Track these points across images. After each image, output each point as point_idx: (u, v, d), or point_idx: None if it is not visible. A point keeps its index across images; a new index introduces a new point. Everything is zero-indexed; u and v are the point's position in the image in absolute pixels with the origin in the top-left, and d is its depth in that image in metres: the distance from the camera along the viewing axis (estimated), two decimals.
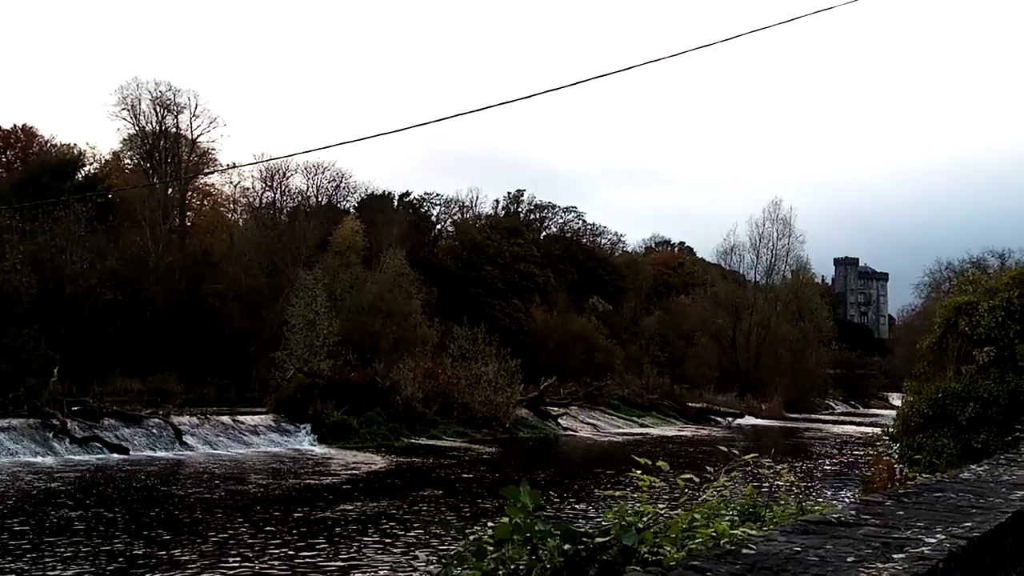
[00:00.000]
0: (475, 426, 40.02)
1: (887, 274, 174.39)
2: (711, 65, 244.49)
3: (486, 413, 40.80)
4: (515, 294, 71.79)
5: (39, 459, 25.90)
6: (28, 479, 22.29)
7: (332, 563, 14.17)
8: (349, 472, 26.86)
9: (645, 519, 4.38)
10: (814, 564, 3.83)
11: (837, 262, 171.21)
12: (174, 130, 61.14)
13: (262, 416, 35.41)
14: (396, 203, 78.70)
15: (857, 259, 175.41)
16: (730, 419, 58.42)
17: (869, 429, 33.06)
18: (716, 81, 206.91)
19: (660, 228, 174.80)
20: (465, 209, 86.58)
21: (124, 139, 63.75)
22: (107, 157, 65.13)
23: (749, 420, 60.28)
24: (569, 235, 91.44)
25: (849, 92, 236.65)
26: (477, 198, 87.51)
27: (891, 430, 18.42)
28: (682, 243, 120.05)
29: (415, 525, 17.54)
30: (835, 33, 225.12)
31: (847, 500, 12.38)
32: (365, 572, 13.61)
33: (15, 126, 66.29)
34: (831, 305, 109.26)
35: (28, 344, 37.42)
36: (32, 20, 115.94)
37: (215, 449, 30.56)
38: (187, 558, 14.19)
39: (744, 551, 3.99)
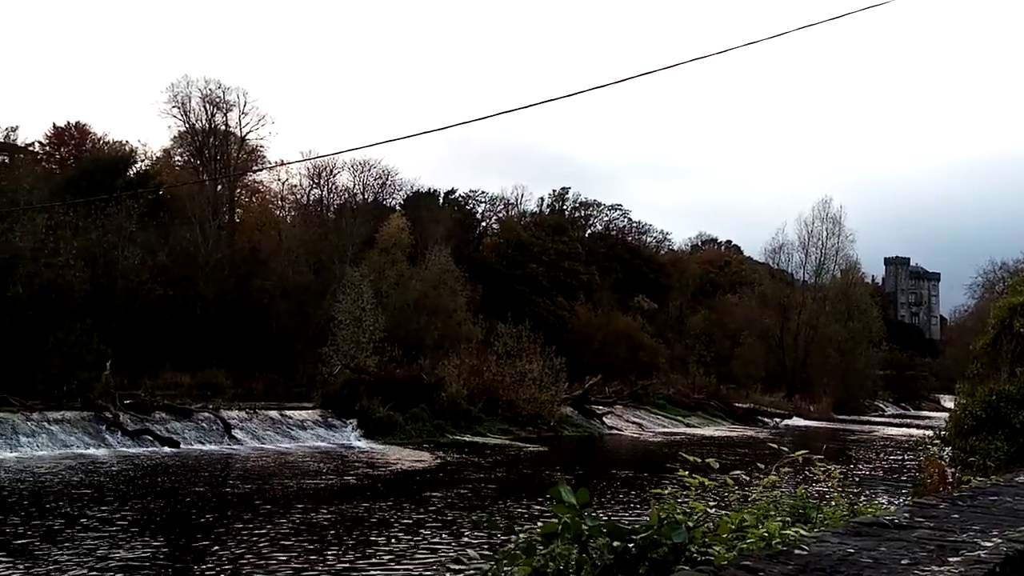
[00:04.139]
0: (520, 424, 40.04)
1: (939, 274, 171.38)
2: (759, 61, 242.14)
3: (531, 411, 40.81)
4: (560, 292, 71.71)
5: (92, 451, 26.40)
6: (81, 470, 22.73)
7: (382, 558, 14.26)
8: (395, 468, 27.02)
9: (695, 517, 4.36)
10: (868, 566, 3.78)
11: (888, 261, 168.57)
12: (223, 128, 61.91)
13: (309, 411, 35.76)
14: (442, 200, 79.05)
15: (908, 259, 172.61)
16: (777, 420, 57.83)
17: (920, 431, 32.50)
18: (765, 77, 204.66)
19: (706, 226, 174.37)
20: (510, 207, 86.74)
21: (174, 136, 64.71)
22: (158, 154, 66.22)
23: (797, 421, 59.62)
24: (614, 233, 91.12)
25: (902, 88, 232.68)
26: (522, 196, 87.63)
27: (943, 433, 18.15)
28: (728, 241, 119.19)
29: (464, 521, 17.59)
30: (884, 27, 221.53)
31: (898, 503, 12.21)
32: (415, 568, 13.68)
33: (69, 123, 67.66)
34: (881, 305, 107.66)
35: (81, 338, 38.15)
36: (85, 19, 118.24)
37: (263, 443, 30.92)
38: (237, 551, 14.37)
39: (796, 552, 3.95)
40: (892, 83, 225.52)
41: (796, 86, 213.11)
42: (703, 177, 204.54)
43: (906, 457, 33.81)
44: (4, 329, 37.90)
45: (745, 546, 4.26)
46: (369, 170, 71.37)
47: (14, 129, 63.36)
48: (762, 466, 6.28)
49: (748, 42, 14.20)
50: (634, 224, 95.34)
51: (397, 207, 72.03)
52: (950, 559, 3.96)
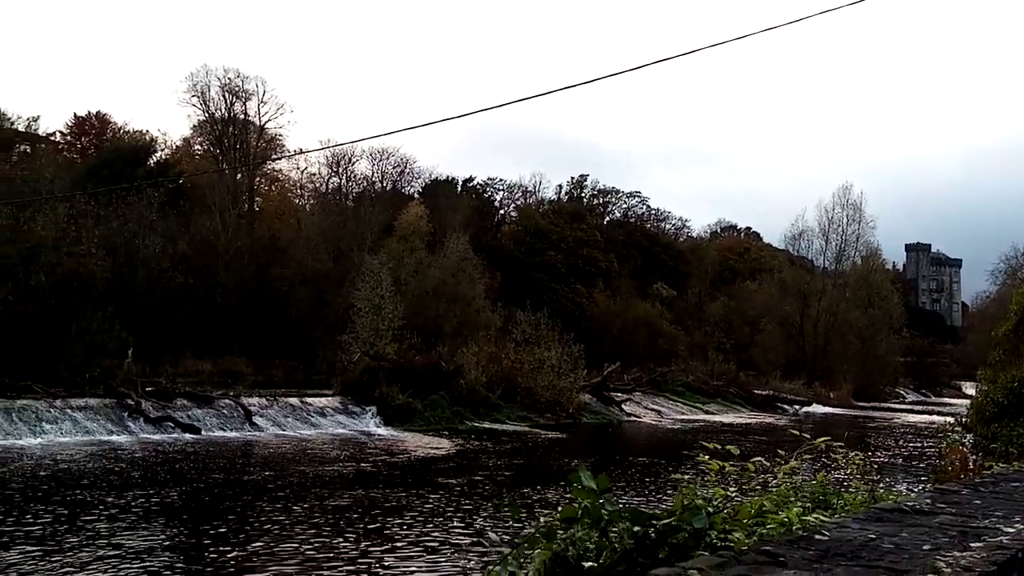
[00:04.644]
0: (538, 411, 40.09)
1: (960, 260, 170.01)
2: (778, 47, 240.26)
3: (549, 398, 40.86)
4: (578, 279, 71.63)
5: (114, 437, 26.65)
6: (103, 457, 22.94)
7: (400, 544, 14.34)
8: (414, 454, 27.13)
9: (715, 503, 4.36)
10: (889, 551, 3.78)
11: (909, 248, 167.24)
12: (242, 116, 62.08)
13: (329, 398, 35.94)
14: (460, 188, 79.04)
15: (929, 245, 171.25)
16: (797, 407, 57.66)
17: (941, 418, 32.33)
18: (785, 63, 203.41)
19: (725, 213, 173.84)
20: (528, 194, 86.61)
21: (194, 125, 64.95)
22: (178, 143, 66.54)
23: (817, 408, 59.43)
24: (633, 220, 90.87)
25: (923, 72, 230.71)
26: (540, 183, 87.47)
27: (964, 419, 18.03)
28: (748, 228, 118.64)
29: (483, 507, 17.66)
30: (905, 11, 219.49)
31: (918, 490, 12.16)
32: (435, 552, 13.75)
33: (89, 113, 68.06)
34: (902, 292, 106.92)
35: (103, 326, 38.45)
36: (105, 9, 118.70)
37: (283, 430, 31.10)
38: (256, 537, 14.49)
39: (817, 537, 3.95)
40: (913, 67, 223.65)
41: (816, 71, 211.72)
42: (723, 164, 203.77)
43: (926, 444, 33.66)
44: (27, 318, 38.23)
45: (765, 532, 4.26)
46: (387, 158, 71.54)
47: (35, 119, 63.75)
48: (782, 452, 6.27)
49: (767, 28, 14.11)
50: (653, 211, 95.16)
51: (415, 195, 72.10)
52: (972, 545, 3.95)
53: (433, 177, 77.11)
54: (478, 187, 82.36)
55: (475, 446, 29.81)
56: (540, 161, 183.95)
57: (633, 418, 44.78)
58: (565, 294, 68.78)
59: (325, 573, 12.27)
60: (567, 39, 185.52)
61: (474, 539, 14.78)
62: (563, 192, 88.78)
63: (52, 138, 64.88)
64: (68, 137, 66.94)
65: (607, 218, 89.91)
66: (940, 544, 3.95)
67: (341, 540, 14.43)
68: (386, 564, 12.95)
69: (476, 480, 21.97)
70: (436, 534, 15.14)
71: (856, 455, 6.75)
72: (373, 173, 71.95)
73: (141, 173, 51.22)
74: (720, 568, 3.40)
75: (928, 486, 12.39)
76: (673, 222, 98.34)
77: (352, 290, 46.19)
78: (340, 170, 69.49)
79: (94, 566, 11.90)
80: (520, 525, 12.12)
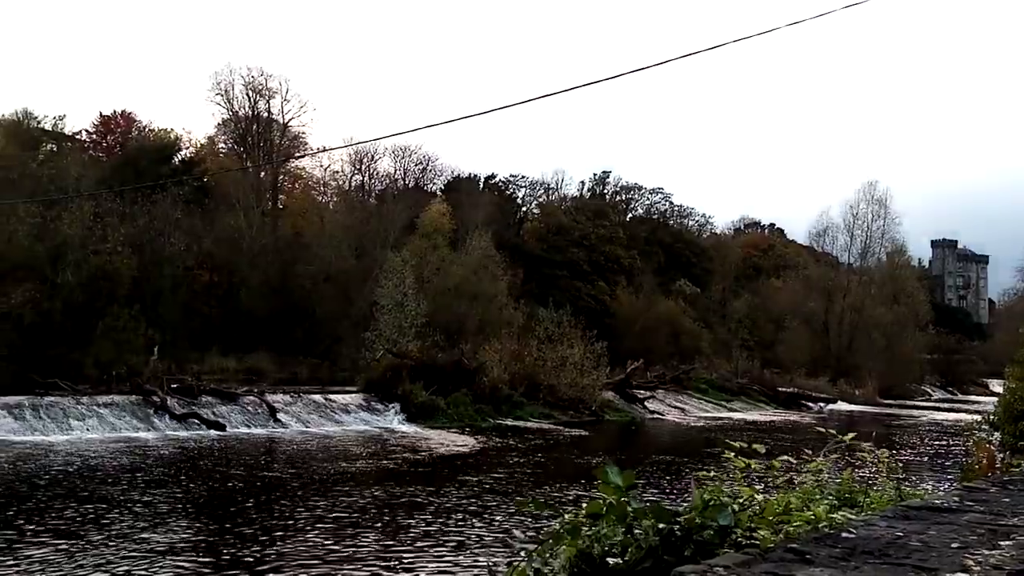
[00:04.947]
0: (561, 408, 40.07)
1: (987, 256, 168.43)
2: (803, 40, 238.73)
3: (572, 395, 40.82)
4: (601, 276, 71.52)
5: (141, 434, 26.88)
6: (130, 453, 23.15)
7: (425, 539, 14.37)
8: (438, 451, 27.19)
9: (740, 501, 4.34)
10: (917, 549, 3.74)
11: (935, 244, 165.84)
12: (266, 115, 62.42)
13: (352, 395, 36.10)
14: (482, 185, 79.08)
15: (956, 241, 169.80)
16: (822, 404, 57.33)
17: (968, 416, 32.03)
18: (809, 57, 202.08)
19: (749, 210, 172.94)
20: (550, 191, 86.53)
21: (218, 124, 65.40)
22: (202, 141, 66.98)
23: (842, 406, 59.06)
24: (656, 217, 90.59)
25: (946, 66, 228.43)
26: (563, 180, 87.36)
27: (992, 417, 17.82)
28: (772, 224, 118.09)
29: (507, 503, 17.67)
30: (925, 3, 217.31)
31: (945, 488, 12.05)
32: (460, 549, 13.77)
33: (115, 112, 68.58)
34: (928, 288, 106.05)
35: (129, 324, 38.81)
36: (130, 8, 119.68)
37: (307, 427, 31.26)
38: (281, 534, 14.57)
39: (844, 535, 3.92)
40: (940, 60, 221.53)
41: (842, 65, 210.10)
42: (746, 160, 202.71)
43: (952, 442, 33.36)
44: (54, 315, 38.66)
45: (791, 529, 4.23)
46: (410, 155, 71.78)
47: (61, 118, 64.34)
48: (808, 451, 6.23)
49: (792, 22, 14.02)
50: (676, 208, 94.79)
51: (438, 192, 72.28)
52: (1001, 543, 3.90)
53: (455, 174, 77.29)
54: (500, 184, 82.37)
55: (498, 443, 29.84)
56: (562, 158, 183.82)
57: (656, 416, 44.68)
58: (587, 291, 68.69)
59: (350, 569, 12.31)
60: (588, 34, 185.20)
61: (498, 536, 14.79)
62: (585, 188, 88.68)
63: (78, 137, 65.45)
64: (94, 136, 67.50)
65: (630, 215, 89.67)
66: (969, 542, 3.90)
67: (364, 536, 14.48)
68: (411, 560, 12.99)
69: (499, 477, 21.99)
70: (460, 531, 15.16)
71: (883, 452, 6.68)
72: (395, 170, 72.24)
73: (166, 171, 51.57)
74: (746, 565, 3.38)
75: (956, 484, 12.29)
76: (696, 218, 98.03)
77: (375, 287, 46.35)
78: (363, 168, 69.80)
79: (119, 563, 12.01)
80: (539, 524, 12.10)
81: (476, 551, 13.57)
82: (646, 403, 46.01)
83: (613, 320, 65.09)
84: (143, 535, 13.67)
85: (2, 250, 38.56)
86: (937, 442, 36.65)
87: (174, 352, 37.70)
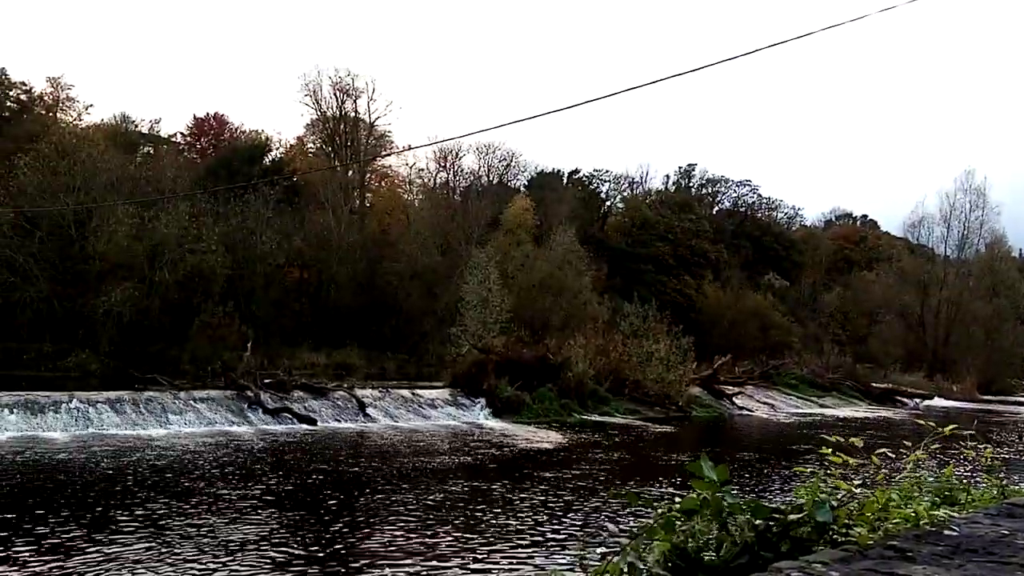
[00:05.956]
0: (647, 404, 39.77)
1: None
2: (895, 26, 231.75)
3: (658, 391, 40.49)
4: (686, 271, 70.85)
5: (235, 428, 27.56)
6: (224, 447, 23.78)
7: (519, 533, 14.44)
8: (523, 446, 27.27)
9: (838, 497, 4.26)
10: (1023, 548, 3.63)
11: None
12: (353, 114, 63.54)
13: (439, 390, 36.41)
14: (565, 180, 79.05)
15: None
16: (917, 400, 55.78)
17: None
18: (901, 43, 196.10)
19: (840, 201, 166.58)
20: (635, 185, 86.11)
21: (307, 124, 66.86)
22: (292, 142, 68.58)
23: (938, 402, 57.38)
24: (743, 209, 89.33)
25: None
26: (647, 173, 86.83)
27: None
28: (864, 216, 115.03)
29: (594, 499, 17.65)
30: None
31: None
32: (551, 543, 13.81)
33: (208, 114, 70.70)
34: None
35: (223, 320, 39.99)
36: (221, 13, 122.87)
37: (396, 421, 31.66)
38: (367, 528, 14.80)
39: (946, 533, 3.82)
40: None
41: (937, 50, 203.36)
42: (837, 150, 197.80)
43: None
44: (152, 312, 40.03)
45: (890, 527, 4.14)
46: (493, 152, 72.22)
47: (157, 121, 66.70)
48: (908, 444, 6.07)
49: (885, 8, 13.62)
50: (764, 200, 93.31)
51: (521, 188, 72.57)
52: None
53: (539, 170, 77.48)
54: (584, 179, 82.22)
55: (584, 439, 29.78)
56: (647, 151, 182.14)
57: (745, 412, 44.02)
58: (673, 286, 68.12)
59: (435, 563, 12.45)
60: (672, 27, 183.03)
61: (589, 530, 14.77)
62: (670, 182, 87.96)
63: (173, 139, 67.65)
64: (188, 138, 69.69)
65: (716, 208, 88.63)
66: None
67: (450, 531, 14.62)
68: (499, 555, 13.06)
69: (586, 472, 21.95)
70: (555, 523, 15.20)
71: (987, 448, 6.48)
72: (480, 167, 72.74)
73: (257, 172, 52.90)
74: (845, 562, 3.33)
75: None
76: (785, 211, 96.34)
77: (460, 283, 46.75)
78: (447, 165, 70.56)
79: (204, 554, 12.33)
80: (642, 514, 12.06)
81: (568, 545, 13.58)
82: (734, 399, 45.35)
83: (699, 315, 64.46)
84: (230, 527, 14.02)
85: (103, 250, 40.12)
86: None
87: (266, 348, 38.59)
